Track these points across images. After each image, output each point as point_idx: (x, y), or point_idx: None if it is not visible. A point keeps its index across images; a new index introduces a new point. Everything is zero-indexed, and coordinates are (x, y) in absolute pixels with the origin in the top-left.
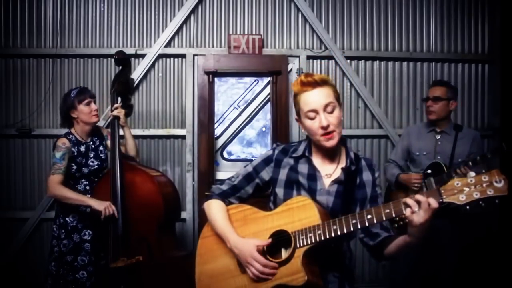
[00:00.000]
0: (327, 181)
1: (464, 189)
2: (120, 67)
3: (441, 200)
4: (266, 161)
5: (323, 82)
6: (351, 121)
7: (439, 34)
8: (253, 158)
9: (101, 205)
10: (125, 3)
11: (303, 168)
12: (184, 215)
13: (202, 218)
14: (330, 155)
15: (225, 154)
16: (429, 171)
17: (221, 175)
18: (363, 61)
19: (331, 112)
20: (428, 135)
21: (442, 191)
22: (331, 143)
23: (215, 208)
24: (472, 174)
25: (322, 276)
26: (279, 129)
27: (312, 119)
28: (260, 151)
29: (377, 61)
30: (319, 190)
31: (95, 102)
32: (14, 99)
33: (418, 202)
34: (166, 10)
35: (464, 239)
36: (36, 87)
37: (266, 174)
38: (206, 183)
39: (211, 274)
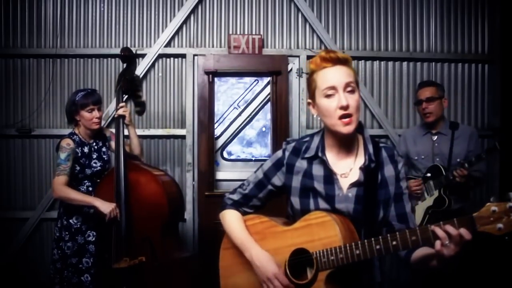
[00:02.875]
0: (345, 183)
1: (502, 217)
2: (125, 64)
3: (475, 230)
4: (277, 165)
5: (345, 61)
6: None
7: (439, 34)
8: (253, 159)
9: (107, 208)
10: (125, 3)
11: (317, 170)
12: (184, 215)
13: (204, 219)
14: (346, 147)
15: (225, 154)
16: (428, 175)
17: (221, 175)
18: (363, 61)
19: (351, 93)
20: (424, 138)
21: (476, 219)
22: (348, 128)
23: (230, 218)
24: None
25: (357, 286)
26: (279, 129)
27: (330, 96)
28: (260, 151)
29: (377, 61)
30: (337, 195)
31: (99, 109)
32: (14, 99)
33: (449, 235)
34: (166, 10)
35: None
36: (36, 87)
37: (278, 180)
38: (206, 183)
39: None
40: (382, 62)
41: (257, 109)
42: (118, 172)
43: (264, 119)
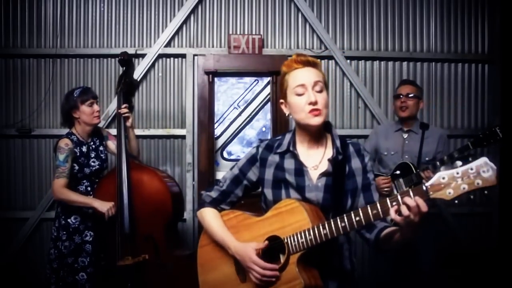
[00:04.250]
0: (314, 175)
1: (451, 183)
2: (124, 68)
3: (428, 197)
4: (251, 161)
5: (314, 63)
6: (351, 121)
7: (439, 34)
8: None
9: (104, 207)
10: (125, 3)
11: (289, 163)
12: (184, 215)
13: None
14: (316, 142)
15: (225, 154)
16: (397, 172)
17: (221, 175)
18: (363, 61)
19: (320, 92)
20: (396, 134)
21: (429, 187)
22: (317, 120)
23: (209, 216)
24: (459, 163)
25: (322, 273)
26: (279, 129)
27: (300, 95)
28: None
29: (377, 61)
30: (307, 186)
31: (97, 103)
32: (14, 99)
33: (407, 206)
34: (166, 10)
35: (440, 240)
36: (36, 87)
37: (253, 175)
38: (206, 183)
39: (213, 284)
40: (382, 62)
41: (257, 109)
42: (120, 170)
43: (264, 119)
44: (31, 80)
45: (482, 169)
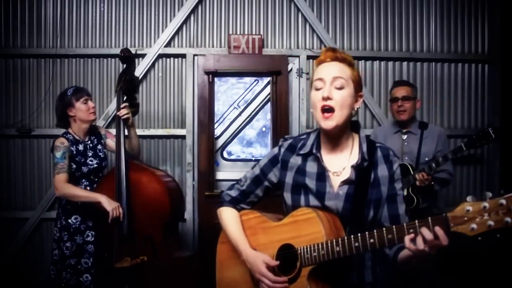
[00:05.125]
0: (336, 181)
1: (476, 217)
2: (125, 65)
3: (448, 229)
4: (273, 161)
5: (343, 59)
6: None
7: (439, 34)
8: (253, 159)
9: (110, 205)
10: (125, 3)
11: (311, 167)
12: (184, 215)
13: (204, 219)
14: (340, 145)
15: (225, 154)
16: None
17: (221, 175)
18: (363, 61)
19: (339, 89)
20: (395, 136)
21: (450, 218)
22: (327, 123)
23: (227, 217)
24: (489, 195)
25: (344, 284)
26: (279, 129)
27: (317, 89)
28: (260, 151)
29: (377, 61)
30: (328, 193)
31: (91, 100)
32: (14, 99)
33: (423, 238)
34: (166, 10)
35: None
36: (36, 87)
37: (274, 177)
38: (206, 183)
39: (229, 282)
40: (382, 62)
41: (257, 109)
42: (119, 172)
43: (264, 119)
44: (31, 80)
45: None
